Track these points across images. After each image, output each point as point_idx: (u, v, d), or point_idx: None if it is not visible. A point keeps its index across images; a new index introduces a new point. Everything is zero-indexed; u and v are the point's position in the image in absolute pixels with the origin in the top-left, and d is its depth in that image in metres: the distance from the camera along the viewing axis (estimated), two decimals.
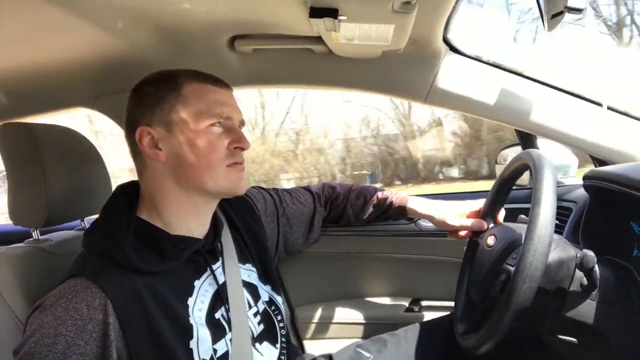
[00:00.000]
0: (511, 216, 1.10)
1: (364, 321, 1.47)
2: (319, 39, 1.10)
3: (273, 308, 1.02)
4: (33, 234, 1.04)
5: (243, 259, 1.01)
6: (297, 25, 1.04)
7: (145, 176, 0.89)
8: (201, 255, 0.91)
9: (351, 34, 0.98)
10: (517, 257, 0.86)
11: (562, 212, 1.22)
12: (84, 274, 0.78)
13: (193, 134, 0.86)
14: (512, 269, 0.85)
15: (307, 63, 1.24)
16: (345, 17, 0.87)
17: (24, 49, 1.09)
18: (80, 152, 1.12)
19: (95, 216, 0.93)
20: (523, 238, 0.82)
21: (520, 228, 0.96)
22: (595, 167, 1.26)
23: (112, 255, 0.80)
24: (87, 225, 1.16)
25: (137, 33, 1.09)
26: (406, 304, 1.47)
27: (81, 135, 1.15)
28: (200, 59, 1.20)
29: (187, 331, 0.82)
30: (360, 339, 1.41)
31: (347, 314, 1.48)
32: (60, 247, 1.04)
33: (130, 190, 0.92)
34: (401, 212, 1.23)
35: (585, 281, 0.84)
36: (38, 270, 0.96)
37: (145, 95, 0.88)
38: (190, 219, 0.90)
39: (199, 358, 0.82)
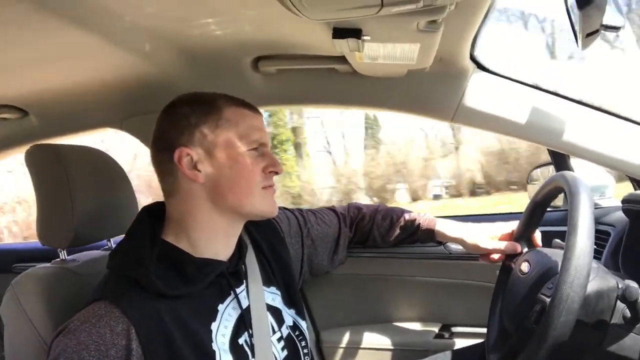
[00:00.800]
0: (545, 240, 1.05)
1: (391, 347, 1.42)
2: (342, 59, 1.08)
3: (297, 333, 1.00)
4: (60, 254, 1.05)
5: (267, 282, 0.99)
6: (320, 45, 1.03)
7: (177, 197, 0.88)
8: (225, 277, 0.90)
9: (375, 54, 0.96)
10: (552, 287, 0.82)
11: (599, 237, 1.16)
12: (107, 297, 0.78)
13: (233, 157, 0.87)
14: (547, 300, 0.81)
15: (331, 83, 1.23)
16: (369, 37, 0.86)
17: (53, 72, 1.11)
18: (107, 173, 1.13)
19: (122, 236, 0.93)
20: (559, 266, 0.78)
21: (555, 254, 0.91)
22: (635, 189, 1.20)
23: (136, 279, 0.79)
24: (114, 245, 1.17)
25: (163, 55, 1.10)
26: (436, 329, 1.42)
27: (108, 156, 1.16)
28: (225, 80, 1.21)
29: (209, 358, 0.81)
30: None
31: (374, 339, 1.44)
32: (86, 268, 1.04)
33: (155, 212, 0.92)
34: (429, 235, 1.20)
35: (628, 313, 0.79)
36: (64, 290, 0.96)
37: (181, 116, 0.88)
38: (218, 241, 0.90)
39: None
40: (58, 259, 1.05)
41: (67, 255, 1.06)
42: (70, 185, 0.99)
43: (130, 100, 1.32)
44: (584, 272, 0.73)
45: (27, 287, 0.94)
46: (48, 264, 1.03)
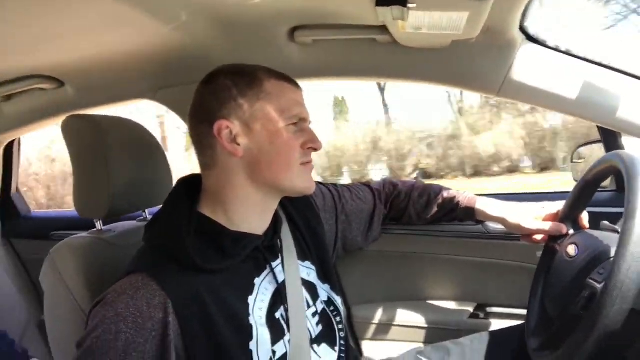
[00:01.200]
0: (591, 221, 1.00)
1: (425, 325, 1.40)
2: (383, 29, 1.04)
3: (332, 308, 0.99)
4: (96, 224, 1.06)
5: (302, 257, 0.98)
6: (361, 14, 0.98)
7: (215, 170, 0.87)
8: (260, 252, 0.89)
9: (420, 23, 0.91)
10: (604, 272, 0.78)
11: None
12: (144, 270, 0.78)
13: (273, 132, 0.85)
14: (598, 286, 0.77)
15: (370, 54, 1.18)
16: (414, 5, 0.81)
17: (88, 42, 1.11)
18: (143, 145, 1.13)
19: (157, 208, 0.93)
20: (612, 251, 0.74)
21: (606, 238, 0.87)
22: None
23: (173, 253, 0.79)
24: (149, 217, 1.18)
25: (198, 26, 1.08)
26: (471, 309, 1.39)
27: (144, 127, 1.16)
28: (261, 51, 1.18)
29: (246, 332, 0.81)
30: (420, 344, 1.36)
31: (406, 317, 1.42)
32: (122, 238, 1.05)
33: (192, 185, 0.91)
34: (469, 214, 1.16)
35: None
36: (100, 261, 0.98)
37: (223, 88, 0.86)
38: (255, 215, 0.89)
39: None
40: (94, 229, 1.07)
41: (104, 226, 1.07)
42: (107, 156, 1.00)
43: (164, 71, 1.31)
44: None
45: (65, 256, 0.95)
46: (85, 234, 1.05)
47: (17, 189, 2.08)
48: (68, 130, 1.05)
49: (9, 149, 1.96)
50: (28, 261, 2.01)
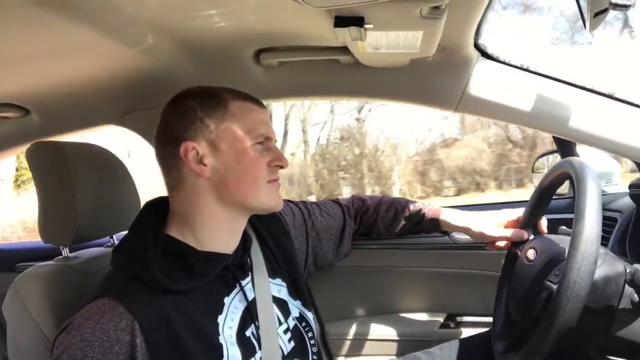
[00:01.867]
0: (551, 227, 1.05)
1: (397, 338, 1.42)
2: (345, 49, 1.07)
3: (304, 324, 0.99)
4: (62, 251, 1.05)
5: (273, 274, 0.99)
6: (322, 36, 1.01)
7: (182, 191, 0.87)
8: (230, 270, 0.89)
9: (378, 43, 0.95)
10: (559, 273, 0.82)
11: (606, 223, 1.16)
12: (111, 294, 0.77)
13: (239, 151, 0.86)
14: (554, 287, 0.81)
15: (334, 74, 1.21)
16: (371, 25, 0.84)
17: (53, 68, 1.10)
18: (109, 169, 1.12)
19: (125, 232, 0.92)
20: (566, 253, 0.78)
21: (562, 241, 0.91)
22: None
23: (140, 275, 0.79)
24: (117, 242, 1.17)
25: (164, 49, 1.09)
26: (441, 319, 1.42)
27: (109, 152, 1.16)
28: (227, 73, 1.19)
29: (217, 351, 0.81)
30: (393, 356, 1.37)
31: (379, 330, 1.44)
32: (89, 265, 1.04)
33: (158, 207, 0.91)
34: (434, 225, 1.19)
35: (636, 297, 0.79)
36: (67, 288, 0.96)
37: (188, 109, 0.87)
38: (223, 235, 0.89)
39: None
40: (60, 257, 1.05)
41: (70, 253, 1.06)
42: (72, 183, 0.99)
43: (131, 96, 1.31)
44: (591, 259, 0.72)
45: (30, 284, 0.93)
46: (50, 262, 1.03)
47: None
48: (33, 158, 1.03)
49: None
50: None
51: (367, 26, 0.84)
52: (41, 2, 0.77)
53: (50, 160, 1.01)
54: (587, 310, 0.75)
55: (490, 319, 1.06)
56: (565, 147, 1.39)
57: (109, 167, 1.12)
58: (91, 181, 1.03)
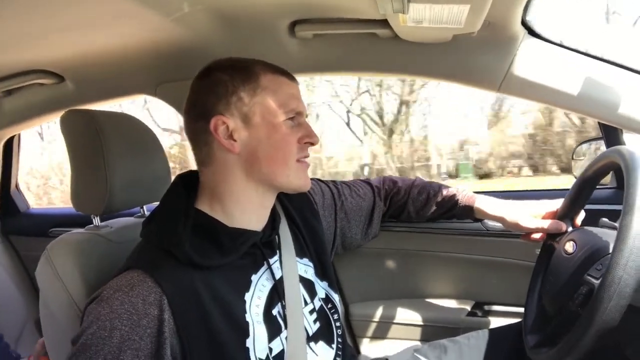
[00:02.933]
0: (590, 218, 1.00)
1: (422, 323, 1.39)
2: (384, 23, 1.03)
3: (330, 306, 0.98)
4: (93, 220, 1.06)
5: (300, 253, 0.98)
6: (362, 8, 0.97)
7: (212, 167, 0.86)
8: (258, 248, 0.88)
9: (421, 16, 0.90)
10: (602, 268, 0.77)
11: None
12: (140, 266, 0.77)
13: (270, 127, 0.84)
14: (596, 282, 0.76)
15: (371, 49, 1.17)
16: None
17: (89, 36, 1.10)
18: (141, 140, 1.12)
19: (155, 204, 0.92)
20: (610, 247, 0.74)
21: (604, 234, 0.86)
22: None
23: (170, 249, 0.78)
24: (147, 213, 1.17)
25: (198, 20, 1.07)
26: (468, 307, 1.38)
27: (142, 123, 1.15)
28: (261, 46, 1.17)
29: (243, 329, 0.80)
30: (417, 342, 1.35)
31: (404, 314, 1.42)
32: (119, 235, 1.04)
33: (189, 181, 0.90)
34: (467, 212, 1.15)
35: None
36: (97, 256, 0.97)
37: (219, 83, 0.84)
38: (252, 212, 0.88)
39: (255, 357, 0.80)
40: (91, 225, 1.06)
41: (101, 222, 1.07)
42: (105, 152, 0.99)
43: (164, 66, 1.30)
44: None
45: (61, 252, 0.94)
46: (82, 230, 1.04)
47: (17, 186, 2.08)
48: (66, 125, 1.04)
49: (9, 145, 1.95)
50: (27, 258, 2.01)
51: None
52: None
53: (84, 127, 1.01)
54: (631, 309, 0.71)
55: (520, 310, 1.02)
56: (611, 134, 1.31)
57: (141, 137, 1.12)
58: (123, 151, 1.03)
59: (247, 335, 0.80)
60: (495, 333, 1.13)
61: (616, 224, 0.87)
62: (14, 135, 1.93)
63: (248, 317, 0.81)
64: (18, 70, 1.31)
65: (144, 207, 1.21)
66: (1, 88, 1.40)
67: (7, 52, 1.17)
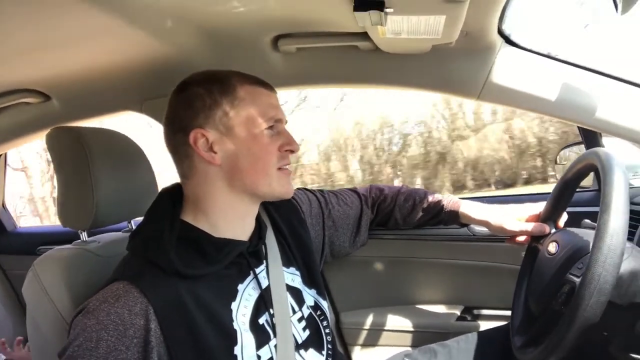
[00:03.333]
0: (573, 220, 1.02)
1: (412, 329, 1.40)
2: (364, 35, 1.05)
3: (319, 313, 0.99)
4: (81, 235, 1.06)
5: (287, 262, 0.98)
6: (341, 21, 1.00)
7: (194, 179, 0.87)
8: (244, 258, 0.89)
9: (399, 28, 0.92)
10: (583, 267, 0.79)
11: (633, 217, 1.12)
12: (126, 278, 0.77)
13: (250, 138, 0.85)
14: (577, 280, 0.78)
15: (353, 61, 1.20)
16: (392, 9, 0.82)
17: (74, 54, 1.11)
18: (127, 155, 1.13)
19: (142, 218, 0.92)
20: (590, 246, 0.75)
21: (585, 234, 0.88)
22: None
23: (155, 260, 0.79)
24: (134, 227, 1.18)
25: (182, 35, 1.09)
26: (458, 312, 1.40)
27: (128, 138, 1.16)
28: (245, 60, 1.19)
29: (230, 336, 0.80)
30: (408, 348, 1.36)
31: (395, 321, 1.43)
32: (106, 249, 1.05)
33: (174, 193, 0.91)
34: (453, 217, 1.17)
35: None
36: (84, 271, 0.97)
37: (196, 96, 0.85)
38: (236, 221, 0.89)
39: None
40: (79, 241, 1.06)
41: (88, 237, 1.07)
42: (91, 167, 0.99)
43: (150, 82, 1.31)
44: (617, 251, 0.70)
45: (48, 267, 0.95)
46: (69, 245, 1.04)
47: (3, 205, 2.06)
48: (52, 142, 1.04)
49: None
50: (14, 277, 1.99)
51: (387, 10, 0.82)
52: None
53: (70, 144, 1.02)
54: (611, 305, 0.73)
55: (508, 313, 1.04)
56: (590, 138, 1.35)
57: (127, 152, 1.13)
58: (110, 166, 1.04)
59: (235, 343, 0.80)
60: (483, 336, 1.14)
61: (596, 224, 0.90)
62: (1, 155, 1.92)
63: (235, 325, 0.82)
64: (3, 90, 1.31)
65: (132, 221, 1.21)
66: None
67: None
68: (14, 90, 1.31)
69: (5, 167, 2.02)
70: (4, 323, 1.91)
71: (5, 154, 1.96)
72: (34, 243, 1.91)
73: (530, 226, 1.03)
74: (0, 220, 2.02)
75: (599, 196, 1.31)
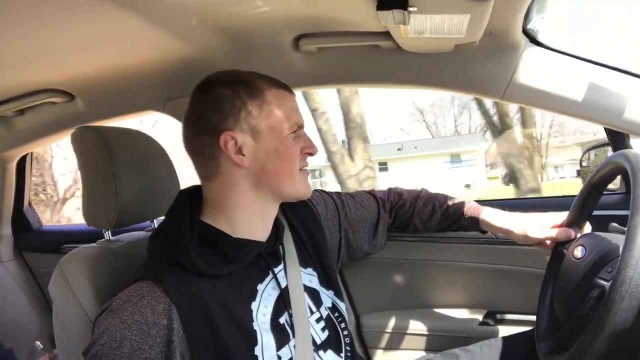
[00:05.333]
0: (600, 224, 0.99)
1: (433, 333, 1.38)
2: (386, 35, 1.04)
3: (336, 314, 0.99)
4: (105, 234, 1.07)
5: (304, 263, 0.98)
6: (363, 20, 0.99)
7: (217, 181, 0.87)
8: (263, 258, 0.89)
9: (422, 27, 0.91)
10: (612, 270, 0.77)
11: None
12: (149, 277, 0.78)
13: (278, 141, 0.86)
14: (606, 284, 0.76)
15: (374, 60, 1.19)
16: (415, 8, 0.81)
17: (99, 55, 1.13)
18: (151, 155, 1.14)
19: None
20: (620, 249, 0.73)
21: (613, 238, 0.86)
22: None
23: (177, 259, 0.79)
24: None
25: (205, 36, 1.10)
26: (480, 317, 1.37)
27: (151, 138, 1.17)
28: (266, 60, 1.19)
29: (251, 337, 0.81)
30: (430, 352, 1.34)
31: (415, 325, 1.41)
32: (129, 248, 1.06)
33: (193, 194, 0.91)
34: (473, 224, 1.15)
35: None
36: (108, 270, 0.98)
37: (224, 98, 0.85)
38: (256, 222, 0.89)
39: None
40: (103, 239, 1.07)
41: (112, 236, 1.08)
42: (115, 167, 1.00)
43: (172, 82, 1.33)
44: None
45: (74, 265, 0.96)
46: (93, 244, 1.06)
47: (30, 203, 2.11)
48: (77, 142, 1.06)
49: (22, 164, 1.99)
50: (39, 274, 2.03)
51: (410, 9, 0.81)
52: None
53: (94, 143, 1.03)
54: None
55: (532, 318, 1.02)
56: (617, 140, 1.31)
57: (150, 152, 1.14)
58: (133, 166, 1.05)
59: (255, 344, 0.80)
60: (507, 341, 1.12)
61: (625, 229, 0.87)
62: (27, 154, 1.96)
63: (255, 326, 0.82)
64: (30, 90, 1.34)
65: (155, 221, 1.22)
66: (13, 108, 1.44)
67: (19, 72, 1.20)
68: (40, 90, 1.35)
69: (31, 166, 2.06)
70: (30, 320, 1.95)
71: (32, 153, 2.01)
72: (59, 241, 1.95)
73: (554, 232, 1.01)
74: (26, 218, 2.07)
75: (626, 199, 1.29)
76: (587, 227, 1.00)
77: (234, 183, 0.86)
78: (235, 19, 1.03)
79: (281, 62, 1.21)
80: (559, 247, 1.01)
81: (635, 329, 0.70)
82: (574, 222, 1.00)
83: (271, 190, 0.88)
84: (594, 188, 0.95)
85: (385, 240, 1.24)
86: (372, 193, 1.24)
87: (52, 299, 0.97)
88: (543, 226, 1.04)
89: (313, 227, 1.05)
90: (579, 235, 0.99)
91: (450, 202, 1.18)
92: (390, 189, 1.26)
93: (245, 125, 0.84)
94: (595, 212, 1.00)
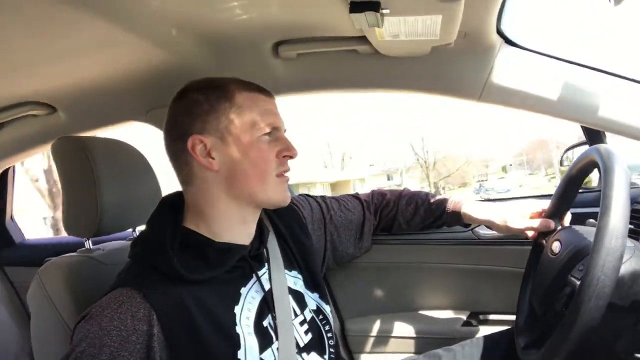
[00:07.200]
0: (578, 221, 1.00)
1: (418, 335, 1.38)
2: (363, 39, 1.06)
3: (321, 317, 0.98)
4: (85, 243, 1.07)
5: (289, 266, 0.98)
6: (339, 25, 1.00)
7: (193, 186, 0.87)
8: (246, 261, 0.89)
9: (396, 30, 0.93)
10: (583, 269, 0.78)
11: (637, 217, 1.10)
12: (128, 284, 0.78)
13: (247, 144, 0.85)
14: (577, 282, 0.77)
15: (353, 65, 1.20)
16: (387, 10, 0.83)
17: (80, 66, 1.13)
18: (132, 164, 1.14)
19: None
20: (591, 247, 0.74)
21: (589, 233, 0.87)
22: None
23: (157, 265, 0.79)
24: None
25: (185, 44, 1.10)
26: (464, 317, 1.38)
27: (132, 147, 1.17)
28: (246, 67, 1.20)
29: (234, 341, 0.80)
30: (414, 355, 1.34)
31: (400, 328, 1.41)
32: (110, 257, 1.05)
33: (175, 201, 0.91)
34: (456, 218, 1.16)
35: None
36: (88, 278, 0.97)
37: (194, 103, 0.86)
38: (237, 227, 0.89)
39: None
40: (83, 248, 1.07)
41: (93, 245, 1.07)
42: (95, 176, 1.00)
43: (153, 92, 1.32)
44: (617, 254, 0.69)
45: (52, 274, 0.95)
46: (73, 253, 1.05)
47: (12, 217, 2.08)
48: (57, 152, 1.06)
49: (3, 177, 1.96)
50: (22, 289, 2.00)
51: (383, 11, 0.83)
52: (68, 0, 0.78)
53: (74, 154, 1.03)
54: (613, 307, 0.72)
55: (514, 317, 1.02)
56: (594, 137, 1.33)
57: (131, 161, 1.14)
58: (114, 175, 1.05)
59: (239, 347, 0.80)
60: (489, 340, 1.13)
61: None
62: (8, 168, 1.94)
63: (238, 329, 0.81)
64: (9, 103, 1.33)
65: (136, 230, 1.21)
66: None
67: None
68: (20, 103, 1.33)
69: (13, 180, 2.04)
70: (10, 334, 1.91)
71: (14, 167, 1.98)
72: (42, 254, 1.92)
73: (535, 223, 1.02)
74: (8, 232, 2.04)
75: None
76: (568, 218, 1.01)
77: (207, 187, 0.86)
78: (216, 26, 1.04)
79: (261, 69, 1.22)
80: (540, 238, 1.02)
81: (606, 324, 0.71)
82: (554, 214, 1.02)
83: (244, 196, 0.87)
84: (572, 180, 0.97)
85: (371, 242, 1.24)
86: (356, 196, 1.25)
87: (30, 308, 0.97)
88: (524, 215, 1.05)
89: (298, 231, 1.05)
90: (559, 227, 1.00)
91: (432, 199, 1.19)
92: (373, 191, 1.27)
93: (213, 128, 0.85)
94: (578, 210, 1.02)
